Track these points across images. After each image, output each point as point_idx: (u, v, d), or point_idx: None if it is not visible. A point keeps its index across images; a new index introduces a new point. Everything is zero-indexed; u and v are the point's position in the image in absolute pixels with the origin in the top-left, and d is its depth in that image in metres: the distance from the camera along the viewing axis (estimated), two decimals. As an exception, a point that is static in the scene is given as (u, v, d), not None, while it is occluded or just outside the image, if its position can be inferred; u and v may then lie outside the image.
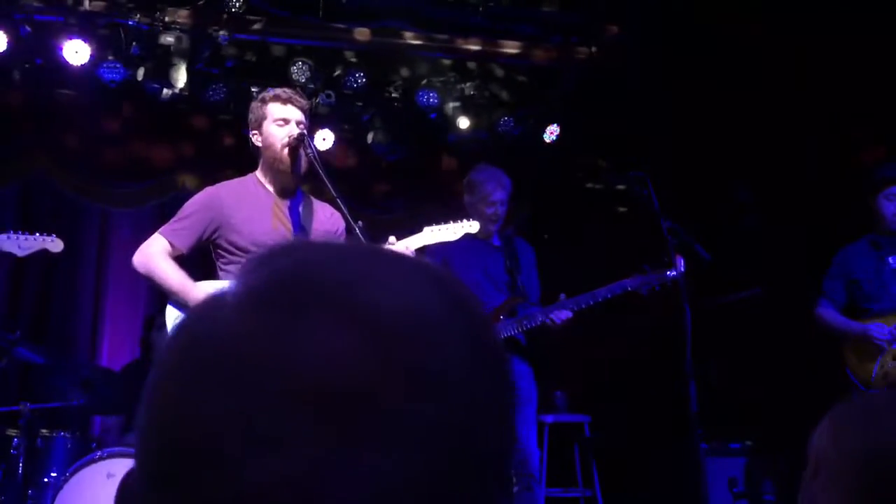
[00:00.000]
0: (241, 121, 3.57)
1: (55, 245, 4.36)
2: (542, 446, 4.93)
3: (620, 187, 4.00)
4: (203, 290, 3.16)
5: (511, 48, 6.26)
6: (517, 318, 4.35)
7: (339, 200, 3.20)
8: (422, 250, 3.56)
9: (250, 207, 3.31)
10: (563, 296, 4.29)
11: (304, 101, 3.40)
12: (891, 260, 4.38)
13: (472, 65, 6.40)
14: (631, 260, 4.37)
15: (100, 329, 6.28)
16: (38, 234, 4.32)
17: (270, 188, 3.38)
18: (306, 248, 0.56)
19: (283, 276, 0.52)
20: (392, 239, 3.42)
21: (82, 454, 4.42)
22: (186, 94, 5.81)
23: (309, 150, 3.28)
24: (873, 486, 1.07)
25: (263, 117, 3.34)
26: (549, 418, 5.61)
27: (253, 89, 5.69)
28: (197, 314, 0.53)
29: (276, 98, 3.35)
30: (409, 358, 0.48)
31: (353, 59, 6.15)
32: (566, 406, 6.03)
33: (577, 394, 6.08)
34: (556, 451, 5.67)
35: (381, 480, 0.45)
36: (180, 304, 3.20)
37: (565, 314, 4.23)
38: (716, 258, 3.88)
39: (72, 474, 4.17)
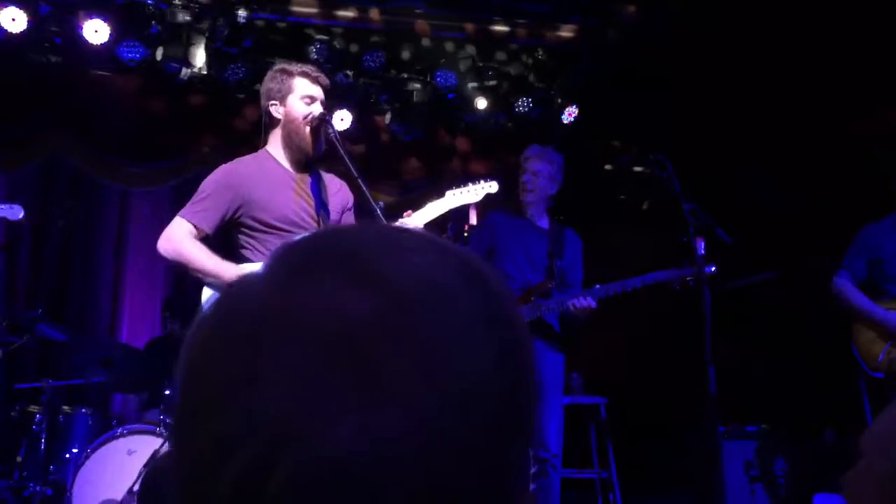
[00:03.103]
0: (259, 100, 3.55)
1: (13, 213, 4.36)
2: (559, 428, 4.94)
3: (638, 169, 3.95)
4: (241, 270, 3.10)
5: (529, 28, 6.23)
6: (548, 301, 4.33)
7: (360, 181, 3.18)
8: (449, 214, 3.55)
9: (272, 183, 3.25)
10: (598, 287, 4.26)
11: (328, 82, 3.38)
12: None
13: (490, 45, 6.37)
14: (648, 243, 4.35)
15: (120, 306, 6.33)
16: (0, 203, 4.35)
17: (286, 163, 3.33)
18: (330, 228, 0.61)
19: (304, 247, 0.57)
20: (409, 212, 3.43)
21: (103, 431, 4.47)
22: (205, 73, 5.82)
23: (330, 131, 3.27)
24: None
25: (289, 91, 3.28)
26: (565, 399, 5.61)
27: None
28: (229, 287, 0.58)
29: (305, 74, 3.30)
30: (410, 320, 0.51)
31: (372, 39, 6.13)
32: (582, 388, 6.04)
33: (594, 376, 6.08)
34: (572, 433, 5.67)
35: (381, 426, 0.48)
36: (216, 287, 3.11)
37: (589, 301, 4.18)
38: (735, 241, 3.86)
39: (93, 450, 4.23)
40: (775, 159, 5.76)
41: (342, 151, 3.22)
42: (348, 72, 6.08)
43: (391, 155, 6.75)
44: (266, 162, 3.32)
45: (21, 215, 4.41)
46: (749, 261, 5.37)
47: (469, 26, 6.19)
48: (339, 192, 3.43)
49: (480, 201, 3.75)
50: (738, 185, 5.85)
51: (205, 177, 3.33)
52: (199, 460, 0.51)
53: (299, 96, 3.29)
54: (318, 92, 3.31)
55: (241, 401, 0.50)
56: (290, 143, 3.31)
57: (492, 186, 3.68)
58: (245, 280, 0.57)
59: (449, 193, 3.59)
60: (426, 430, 0.49)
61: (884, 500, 1.04)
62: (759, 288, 5.70)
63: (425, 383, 0.50)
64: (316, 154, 3.32)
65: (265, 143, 3.39)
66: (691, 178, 4.02)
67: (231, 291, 0.56)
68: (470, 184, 3.67)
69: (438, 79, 6.20)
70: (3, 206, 4.36)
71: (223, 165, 3.33)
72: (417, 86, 6.32)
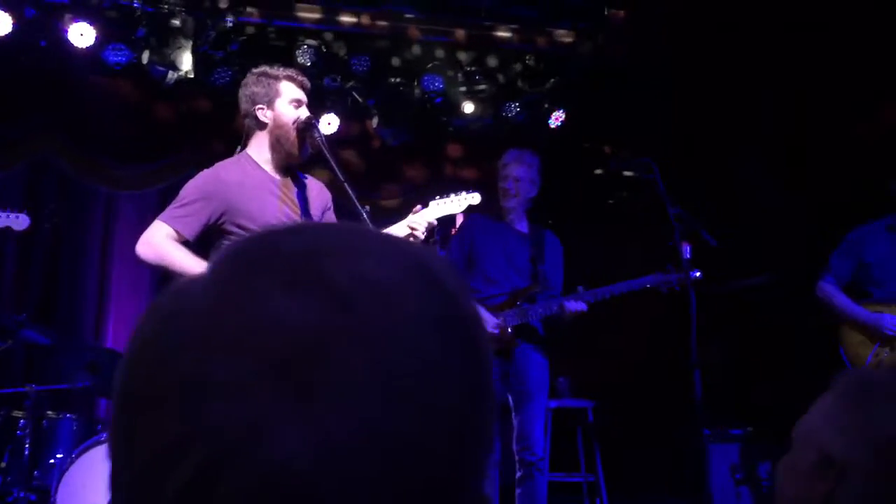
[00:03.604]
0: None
1: (20, 223, 4.31)
2: (546, 431, 4.95)
3: (627, 173, 3.97)
4: None
5: (517, 33, 6.24)
6: (535, 305, 4.36)
7: (346, 185, 3.17)
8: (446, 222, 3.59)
9: (256, 190, 3.22)
10: (580, 288, 4.31)
11: (309, 85, 3.38)
12: None
13: (478, 50, 6.38)
14: (637, 247, 4.37)
15: (105, 311, 6.30)
16: (7, 211, 4.31)
17: (268, 168, 3.29)
18: (274, 228, 0.58)
19: (248, 247, 0.56)
20: (418, 207, 3.46)
21: (88, 436, 4.44)
22: (192, 77, 5.80)
23: (316, 135, 3.26)
24: None
25: (276, 95, 3.27)
26: (552, 403, 5.62)
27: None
28: (172, 285, 0.57)
29: (291, 78, 3.30)
30: (357, 322, 0.50)
31: (360, 43, 6.13)
32: (569, 391, 6.04)
33: (581, 379, 6.09)
34: (559, 437, 5.69)
35: (325, 432, 0.48)
36: None
37: (580, 306, 4.25)
38: (722, 245, 3.88)
39: (77, 456, 4.19)
40: (767, 163, 5.78)
41: (329, 155, 3.21)
42: (336, 76, 6.08)
43: (378, 159, 6.75)
44: (248, 167, 3.29)
45: (27, 225, 4.35)
46: (737, 264, 5.39)
47: (457, 31, 6.19)
48: (319, 194, 3.43)
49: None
50: (729, 189, 5.87)
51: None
52: (143, 467, 0.50)
53: (287, 100, 3.28)
54: (303, 95, 3.31)
55: (187, 408, 0.49)
56: (277, 148, 3.29)
57: (474, 198, 3.73)
58: (188, 282, 0.55)
59: (432, 203, 3.61)
60: (372, 436, 0.49)
61: (807, 489, 1.07)
62: (745, 292, 5.73)
63: (370, 387, 0.49)
64: (302, 158, 3.32)
65: (245, 146, 3.36)
66: (682, 181, 4.04)
67: (173, 293, 0.55)
68: (452, 195, 3.69)
69: (426, 83, 6.20)
70: (9, 215, 4.31)
71: (205, 171, 3.29)
72: (405, 90, 6.32)
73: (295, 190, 3.32)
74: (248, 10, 5.69)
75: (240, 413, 0.48)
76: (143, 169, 6.31)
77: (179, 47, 5.70)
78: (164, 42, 5.67)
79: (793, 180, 5.54)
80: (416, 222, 3.37)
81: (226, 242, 3.15)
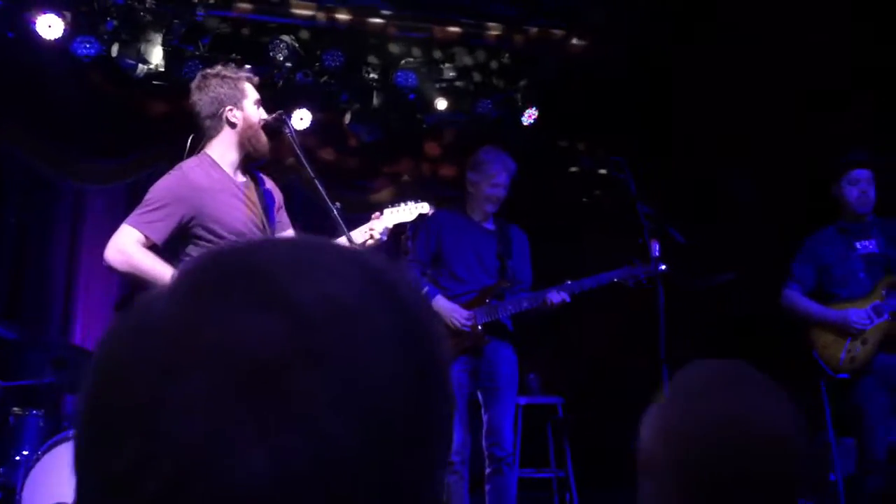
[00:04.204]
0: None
1: None
2: (516, 427, 4.98)
3: (601, 171, 4.01)
4: None
5: (492, 30, 6.25)
6: (504, 302, 4.40)
7: (316, 181, 3.17)
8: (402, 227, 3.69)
9: (222, 195, 3.20)
10: (569, 283, 4.36)
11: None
12: (858, 245, 4.42)
13: (453, 46, 6.38)
14: (607, 244, 4.40)
15: (72, 307, 6.22)
16: None
17: (230, 170, 3.27)
18: (238, 244, 0.59)
19: (210, 264, 0.56)
20: (377, 214, 3.56)
21: (54, 432, 4.39)
22: (162, 70, 5.75)
23: (288, 131, 3.26)
24: (703, 474, 1.03)
25: (243, 95, 3.26)
26: (522, 400, 5.65)
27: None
28: (137, 301, 0.57)
29: (249, 79, 3.31)
30: (319, 342, 0.51)
31: (333, 39, 6.10)
32: (540, 388, 6.07)
33: (551, 376, 6.12)
34: (529, 433, 5.72)
35: (285, 452, 0.48)
36: None
37: (563, 296, 4.30)
38: (690, 242, 3.92)
39: (44, 453, 4.15)
40: (740, 162, 5.83)
41: (299, 152, 3.21)
42: (308, 71, 6.05)
43: (350, 155, 6.73)
44: (212, 170, 3.26)
45: None
46: (705, 262, 5.44)
47: (432, 27, 6.19)
48: (273, 191, 3.44)
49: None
50: (699, 187, 5.92)
51: (159, 175, 3.26)
52: (108, 482, 0.50)
53: (252, 100, 3.28)
54: (258, 96, 3.33)
55: (150, 427, 0.49)
56: (244, 148, 3.27)
57: (423, 207, 3.79)
58: (151, 298, 0.55)
59: (387, 212, 3.67)
60: (338, 455, 0.49)
61: (640, 488, 1.10)
62: (716, 289, 5.78)
63: (336, 407, 0.50)
64: (266, 157, 3.32)
65: (204, 147, 3.32)
66: (653, 179, 4.08)
67: (137, 310, 0.55)
68: (402, 204, 3.75)
69: (399, 79, 6.19)
70: None
71: (173, 173, 3.23)
72: (377, 86, 6.31)
73: (256, 192, 3.32)
74: (222, 3, 5.64)
75: (200, 432, 0.48)
76: (112, 163, 6.24)
77: (149, 41, 5.64)
78: (134, 35, 5.61)
79: (765, 178, 5.60)
80: (374, 227, 3.49)
81: (192, 247, 3.14)
